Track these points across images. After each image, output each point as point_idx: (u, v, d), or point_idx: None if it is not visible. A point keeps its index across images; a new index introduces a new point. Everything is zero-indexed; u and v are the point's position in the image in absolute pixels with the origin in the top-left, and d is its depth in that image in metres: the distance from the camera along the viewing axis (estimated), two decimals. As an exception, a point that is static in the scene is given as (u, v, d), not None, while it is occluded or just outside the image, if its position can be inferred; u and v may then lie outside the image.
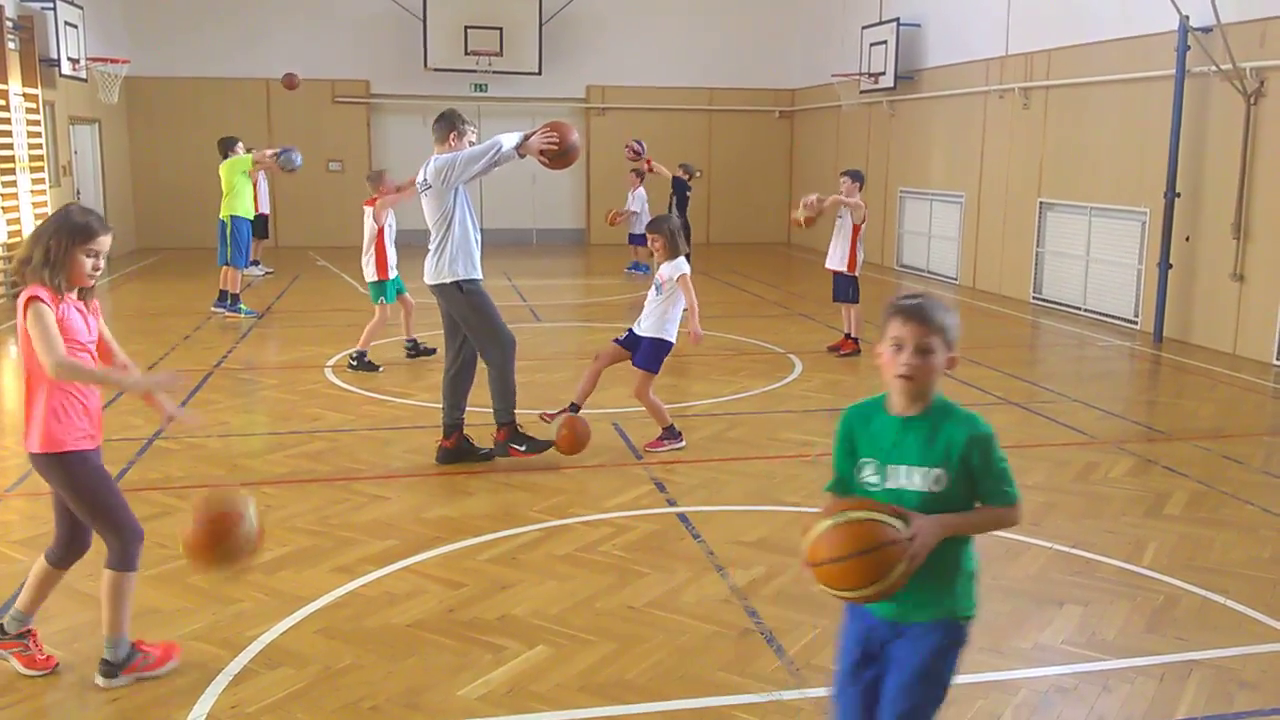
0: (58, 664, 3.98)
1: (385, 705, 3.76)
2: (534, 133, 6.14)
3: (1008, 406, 8.27)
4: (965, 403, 9.10)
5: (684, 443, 7.01)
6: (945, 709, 3.75)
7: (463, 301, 6.33)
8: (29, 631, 3.94)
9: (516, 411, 6.54)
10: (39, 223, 3.69)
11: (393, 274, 9.39)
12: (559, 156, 6.14)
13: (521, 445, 6.50)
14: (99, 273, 3.74)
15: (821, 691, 3.86)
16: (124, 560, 3.79)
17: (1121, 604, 4.66)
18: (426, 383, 8.63)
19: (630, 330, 7.07)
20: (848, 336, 10.28)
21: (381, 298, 9.36)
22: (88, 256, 3.65)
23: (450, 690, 3.86)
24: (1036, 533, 5.51)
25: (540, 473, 6.47)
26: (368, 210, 9.36)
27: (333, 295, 13.56)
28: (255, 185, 15.15)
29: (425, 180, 6.29)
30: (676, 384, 9.29)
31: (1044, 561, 5.15)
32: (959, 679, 3.95)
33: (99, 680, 3.82)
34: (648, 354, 6.90)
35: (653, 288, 7.03)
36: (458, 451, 6.58)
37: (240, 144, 12.86)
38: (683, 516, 5.73)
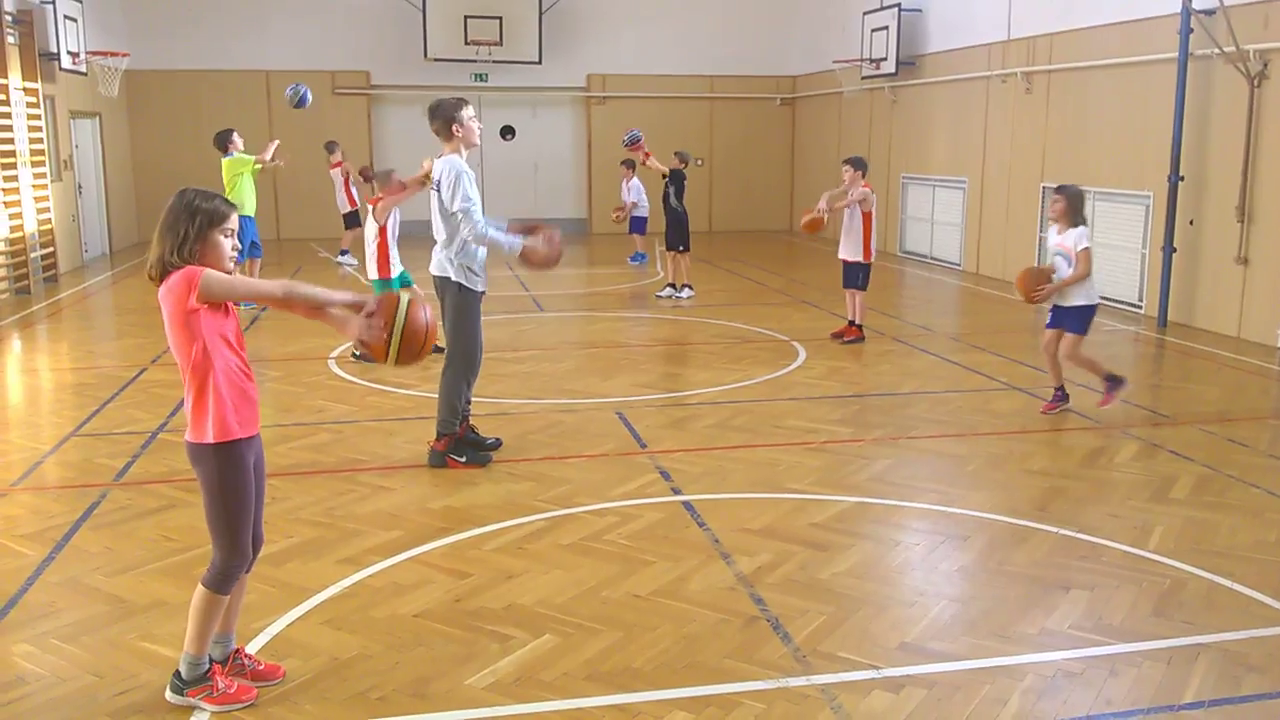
0: (284, 673, 3.86)
1: (393, 695, 3.77)
2: (534, 228, 6.09)
3: (1012, 392, 8.26)
4: (970, 389, 8.96)
5: (1128, 383, 7.69)
6: (951, 694, 3.78)
7: (458, 299, 6.27)
8: (235, 652, 3.80)
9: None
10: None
11: (396, 271, 9.35)
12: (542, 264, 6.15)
13: (461, 456, 6.40)
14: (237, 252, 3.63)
15: (828, 678, 3.87)
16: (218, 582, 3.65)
17: (1128, 588, 4.66)
18: (429, 373, 8.62)
19: (1054, 307, 7.53)
20: (851, 323, 10.27)
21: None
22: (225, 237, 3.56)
23: (458, 680, 3.87)
24: (1042, 518, 5.51)
25: (545, 463, 6.48)
26: (369, 209, 9.31)
27: (335, 286, 13.55)
28: (347, 185, 16.23)
29: (439, 180, 6.20)
30: (680, 372, 9.31)
31: (1050, 546, 5.14)
32: (964, 663, 3.99)
33: (168, 694, 3.69)
34: (1075, 320, 7.45)
35: (1058, 257, 7.43)
36: (461, 444, 6.54)
37: (236, 135, 12.35)
38: (688, 505, 5.73)
